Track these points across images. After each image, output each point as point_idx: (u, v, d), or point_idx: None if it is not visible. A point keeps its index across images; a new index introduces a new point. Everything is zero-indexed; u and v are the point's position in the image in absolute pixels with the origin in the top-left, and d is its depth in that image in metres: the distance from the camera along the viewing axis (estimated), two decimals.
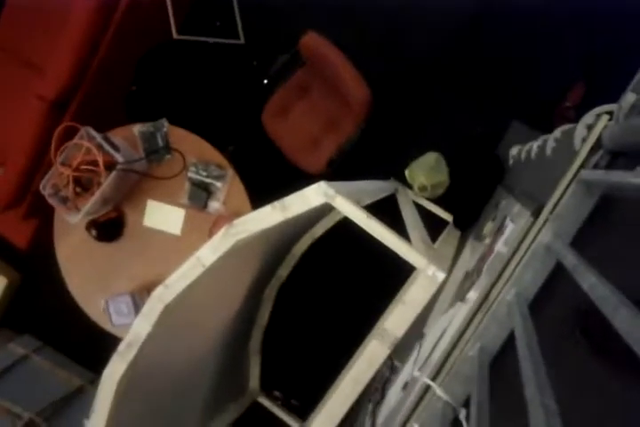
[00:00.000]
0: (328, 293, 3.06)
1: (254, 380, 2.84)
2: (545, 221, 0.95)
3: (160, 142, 2.47)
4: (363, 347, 2.64)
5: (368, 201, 2.08)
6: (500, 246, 1.24)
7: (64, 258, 2.51)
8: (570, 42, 2.78)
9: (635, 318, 0.50)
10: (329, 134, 2.67)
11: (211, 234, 2.41)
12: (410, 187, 2.88)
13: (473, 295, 1.22)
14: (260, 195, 2.48)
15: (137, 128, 2.48)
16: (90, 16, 2.45)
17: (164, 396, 1.92)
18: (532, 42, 2.85)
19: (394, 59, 3.02)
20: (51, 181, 2.28)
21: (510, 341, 0.95)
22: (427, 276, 1.39)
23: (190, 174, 2.45)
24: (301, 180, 2.29)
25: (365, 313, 2.70)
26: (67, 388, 2.90)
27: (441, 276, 1.38)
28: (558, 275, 0.91)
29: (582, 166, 0.97)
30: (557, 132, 1.44)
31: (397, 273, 2.60)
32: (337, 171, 2.65)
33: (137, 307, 2.38)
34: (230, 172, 2.46)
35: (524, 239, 0.99)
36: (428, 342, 1.47)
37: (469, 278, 1.45)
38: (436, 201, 2.87)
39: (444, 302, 1.79)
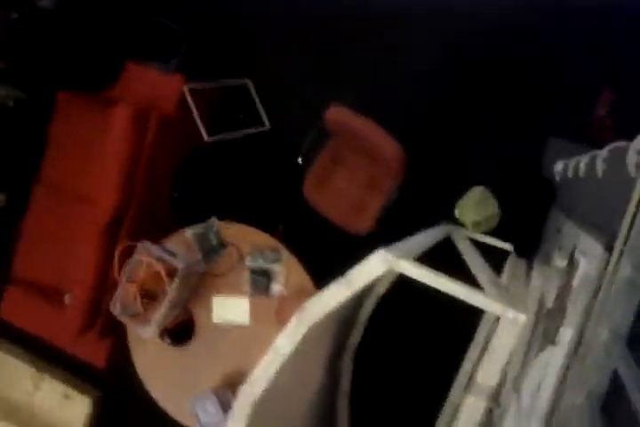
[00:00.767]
0: (402, 349, 2.99)
1: None
2: (620, 255, 0.92)
3: (213, 240, 2.54)
4: (452, 398, 2.56)
5: (423, 250, 2.07)
6: (579, 282, 1.20)
7: (143, 369, 2.55)
8: (587, 49, 2.77)
9: None
10: (371, 195, 2.69)
11: (277, 317, 2.42)
12: (463, 226, 2.84)
13: (564, 337, 1.17)
14: (319, 269, 2.50)
15: (189, 231, 2.55)
16: (125, 139, 2.60)
17: None
18: (549, 55, 2.85)
19: (414, 103, 3.06)
20: (119, 300, 2.35)
21: (615, 383, 0.90)
22: (508, 321, 1.35)
23: (248, 263, 2.49)
24: (354, 245, 2.32)
25: (443, 363, 2.63)
26: None
27: (522, 318, 1.34)
28: None
29: None
30: (605, 152, 1.41)
31: (466, 314, 2.55)
32: (386, 227, 2.65)
33: (222, 404, 2.36)
34: (285, 252, 2.50)
35: (604, 274, 0.96)
36: (527, 392, 1.41)
37: (553, 318, 1.40)
38: (492, 233, 2.82)
39: (522, 337, 1.74)
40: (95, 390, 3.31)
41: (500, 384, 1.46)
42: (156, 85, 2.94)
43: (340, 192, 2.76)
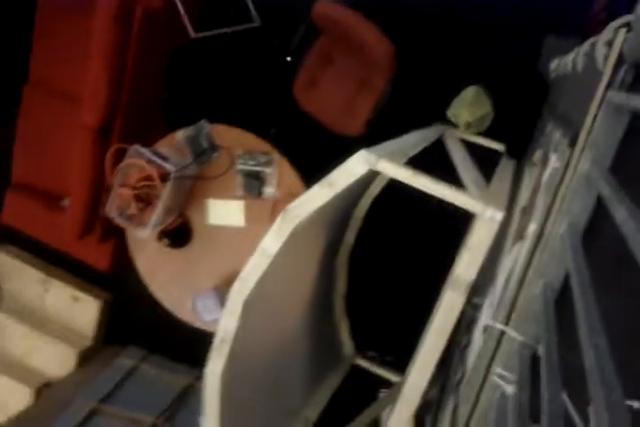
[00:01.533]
0: (398, 249, 3.08)
1: (347, 345, 2.94)
2: (582, 149, 0.93)
3: (205, 143, 2.54)
4: (441, 296, 2.68)
5: (415, 151, 2.08)
6: (546, 179, 1.23)
7: (145, 270, 2.67)
8: None
9: None
10: (362, 95, 2.66)
11: (273, 219, 2.48)
12: (456, 127, 2.82)
13: (530, 231, 1.22)
14: (311, 170, 2.52)
15: (180, 134, 2.55)
16: (109, 37, 2.52)
17: (266, 380, 2.03)
18: None
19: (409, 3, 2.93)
20: (114, 204, 2.40)
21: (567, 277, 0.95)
22: (485, 219, 1.40)
23: (240, 166, 2.51)
24: (346, 146, 2.32)
25: (440, 261, 2.72)
26: (178, 388, 3.09)
27: (498, 215, 1.38)
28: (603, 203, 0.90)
29: (609, 86, 0.94)
30: (586, 46, 1.38)
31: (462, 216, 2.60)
32: (378, 129, 2.64)
33: (222, 300, 2.49)
34: (276, 155, 2.51)
35: (567, 169, 0.98)
36: (498, 284, 1.48)
37: (526, 214, 1.44)
38: (485, 134, 2.81)
39: (510, 235, 1.79)
40: (103, 292, 3.45)
41: (479, 284, 1.53)
42: None
43: (331, 92, 2.73)
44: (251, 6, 3.10)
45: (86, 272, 3.35)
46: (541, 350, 0.79)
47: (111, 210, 2.40)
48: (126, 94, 2.71)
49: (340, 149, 2.06)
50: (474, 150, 2.55)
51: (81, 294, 3.34)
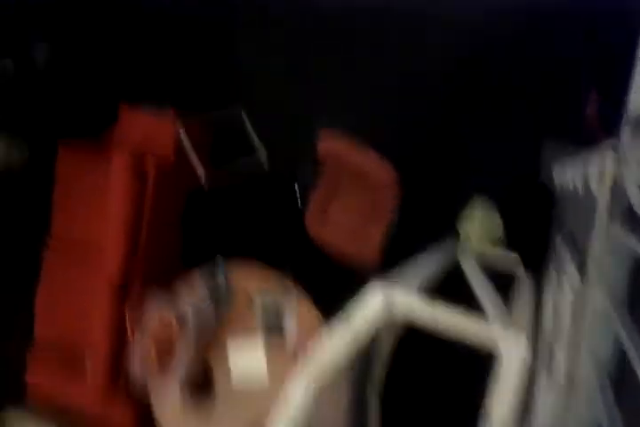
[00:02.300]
0: (428, 381, 2.92)
1: None
2: (592, 280, 0.91)
3: (222, 285, 2.55)
4: None
5: (428, 276, 2.05)
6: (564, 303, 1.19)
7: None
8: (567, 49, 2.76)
9: None
10: (372, 222, 2.69)
11: (297, 355, 2.41)
12: (467, 242, 2.82)
13: (557, 364, 1.16)
14: (328, 304, 2.49)
15: (198, 277, 2.57)
16: (125, 191, 2.65)
17: None
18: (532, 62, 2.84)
19: (405, 120, 3.04)
20: (137, 359, 2.36)
21: None
22: (511, 353, 1.35)
23: (258, 306, 2.49)
24: (362, 276, 2.31)
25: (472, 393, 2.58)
26: None
27: (522, 353, 1.33)
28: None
29: (610, 215, 0.93)
30: (581, 166, 1.40)
31: None
32: (391, 252, 2.64)
33: None
34: (294, 291, 2.50)
35: (578, 300, 0.95)
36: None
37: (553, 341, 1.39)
38: (499, 247, 2.79)
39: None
40: None
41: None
42: (151, 130, 2.97)
43: (341, 223, 2.77)
44: (255, 138, 3.24)
45: None
46: None
47: (134, 366, 2.35)
48: (143, 245, 2.79)
49: (356, 281, 2.06)
50: (489, 266, 2.52)
51: None
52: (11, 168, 3.39)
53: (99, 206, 3.03)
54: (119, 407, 2.80)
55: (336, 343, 1.54)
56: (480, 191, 2.86)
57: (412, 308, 1.50)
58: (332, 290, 2.73)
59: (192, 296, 2.54)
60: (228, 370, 2.51)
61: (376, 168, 2.49)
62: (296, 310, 2.48)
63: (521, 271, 2.58)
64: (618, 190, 0.96)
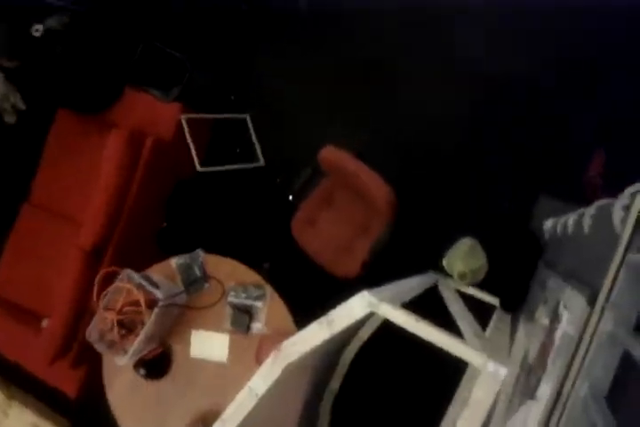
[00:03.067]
0: (383, 396, 2.92)
1: None
2: (602, 309, 0.92)
3: (197, 272, 2.51)
4: None
5: (409, 297, 2.05)
6: (561, 336, 1.19)
7: (116, 400, 2.47)
8: (579, 111, 2.84)
9: None
10: (359, 238, 2.69)
11: (257, 357, 2.37)
12: (449, 276, 2.83)
13: (543, 392, 1.15)
14: (301, 308, 2.47)
15: (174, 262, 2.53)
16: (117, 165, 2.61)
17: None
18: (542, 116, 2.91)
19: (411, 154, 3.10)
20: (96, 327, 2.30)
21: None
22: (488, 373, 1.33)
23: (230, 299, 2.46)
24: (339, 286, 2.30)
25: (425, 411, 2.56)
26: None
27: (503, 371, 1.32)
28: (629, 362, 0.86)
29: (627, 249, 0.95)
30: (592, 209, 1.43)
31: (450, 365, 2.52)
32: (373, 271, 2.64)
33: None
34: (269, 290, 2.47)
35: (585, 329, 0.95)
36: None
37: (534, 373, 1.38)
38: (479, 286, 2.80)
39: (505, 391, 1.71)
40: (64, 421, 3.19)
41: None
42: (153, 112, 2.97)
43: (329, 233, 2.76)
44: (257, 147, 3.27)
45: (49, 394, 3.11)
46: None
47: (92, 334, 2.28)
48: (125, 220, 2.75)
49: (333, 289, 2.04)
50: (466, 300, 2.54)
51: (40, 422, 3.08)
52: (3, 118, 3.33)
53: (85, 179, 3.00)
54: (68, 371, 2.72)
55: (313, 339, 1.51)
56: (470, 230, 2.89)
57: (397, 318, 1.49)
58: (306, 294, 2.72)
59: (165, 280, 2.50)
60: (187, 357, 2.46)
61: (376, 187, 2.48)
62: (267, 310, 2.44)
63: (497, 310, 2.59)
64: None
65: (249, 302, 2.45)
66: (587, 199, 2.11)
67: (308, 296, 2.54)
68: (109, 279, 2.36)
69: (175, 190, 3.18)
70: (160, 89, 3.12)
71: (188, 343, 2.46)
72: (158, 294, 2.30)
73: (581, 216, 1.56)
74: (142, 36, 3.25)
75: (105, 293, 2.31)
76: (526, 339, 1.98)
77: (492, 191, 2.99)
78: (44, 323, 2.75)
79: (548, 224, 2.59)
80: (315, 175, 2.83)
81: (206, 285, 2.50)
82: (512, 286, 2.67)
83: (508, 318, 2.57)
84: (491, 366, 1.33)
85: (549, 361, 1.22)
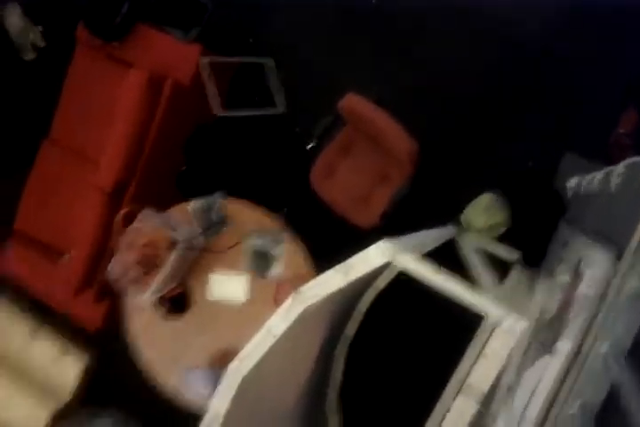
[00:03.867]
0: (398, 345, 2.97)
1: None
2: (629, 266, 0.90)
3: (216, 216, 2.52)
4: (444, 401, 2.55)
5: (428, 249, 2.05)
6: (583, 293, 1.19)
7: (136, 337, 2.54)
8: (613, 66, 2.74)
9: None
10: (379, 188, 2.67)
11: (275, 300, 2.41)
12: (468, 230, 2.82)
13: (562, 347, 1.16)
14: (319, 255, 2.48)
15: (192, 205, 2.54)
16: (136, 106, 2.58)
17: None
18: (573, 71, 2.82)
19: (435, 104, 3.03)
20: (116, 266, 2.34)
21: (612, 394, 0.88)
22: (506, 326, 1.34)
23: (249, 242, 2.47)
24: (358, 235, 2.30)
25: (438, 362, 2.61)
26: None
27: (521, 325, 1.33)
28: None
29: None
30: (621, 167, 1.40)
31: (465, 317, 2.54)
32: (392, 222, 2.63)
33: (211, 379, 2.35)
34: (287, 235, 2.48)
35: (610, 286, 0.94)
36: (520, 399, 1.39)
37: (553, 328, 1.38)
38: (500, 240, 2.79)
39: (520, 346, 1.72)
40: (90, 350, 3.29)
41: (493, 391, 1.44)
42: (173, 53, 2.90)
43: (348, 182, 2.74)
44: (277, 93, 3.20)
45: (77, 327, 3.21)
46: None
47: (113, 272, 2.33)
48: (144, 161, 2.75)
49: (352, 238, 2.05)
50: (483, 255, 2.54)
51: (69, 348, 3.18)
52: (22, 55, 3.28)
53: (104, 117, 2.97)
54: (88, 307, 2.79)
55: (331, 285, 1.52)
56: (492, 185, 2.86)
57: (417, 269, 1.49)
58: (324, 241, 2.73)
59: (185, 222, 2.51)
60: (206, 298, 2.50)
61: (398, 137, 2.44)
62: (286, 254, 2.46)
63: (516, 265, 2.59)
64: None
65: (268, 247, 2.47)
66: (613, 159, 2.06)
67: (326, 244, 2.54)
68: (129, 219, 2.38)
69: (195, 133, 3.16)
70: (179, 29, 3.04)
71: (206, 285, 2.50)
72: (177, 235, 2.32)
73: (609, 174, 1.53)
74: None
75: (125, 232, 2.34)
76: (543, 295, 1.98)
77: (517, 147, 2.93)
78: (65, 259, 2.80)
79: (572, 182, 2.55)
80: (335, 124, 2.78)
81: (225, 228, 2.51)
82: (534, 242, 2.66)
83: (525, 274, 2.57)
84: (509, 318, 1.34)
85: (571, 317, 1.22)
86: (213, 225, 2.53)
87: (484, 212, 2.79)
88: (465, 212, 2.84)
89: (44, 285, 2.90)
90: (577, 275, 1.34)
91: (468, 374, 1.39)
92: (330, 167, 2.78)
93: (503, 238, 2.78)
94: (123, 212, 2.40)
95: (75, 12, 3.01)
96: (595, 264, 1.15)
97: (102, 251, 2.61)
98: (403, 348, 2.95)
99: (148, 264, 2.35)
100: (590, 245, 1.30)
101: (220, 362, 2.36)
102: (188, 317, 2.51)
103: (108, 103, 2.93)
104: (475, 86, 2.98)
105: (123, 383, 3.23)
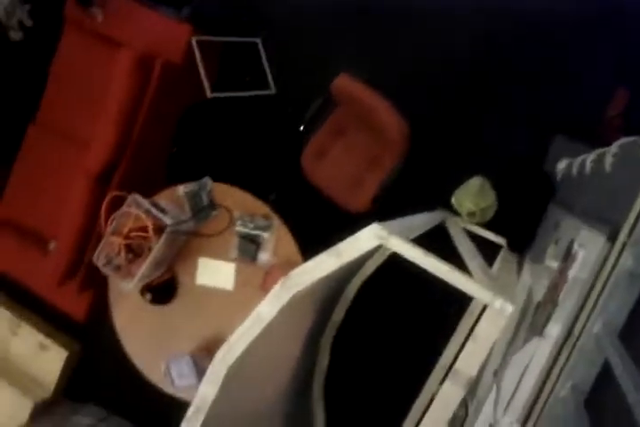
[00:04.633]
0: (384, 331, 2.98)
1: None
2: (623, 246, 0.89)
3: (205, 200, 2.50)
4: (429, 385, 2.56)
5: (417, 233, 2.03)
6: (575, 274, 1.18)
7: (121, 325, 2.52)
8: (602, 47, 2.72)
9: None
10: (370, 172, 2.65)
11: (263, 286, 2.39)
12: (458, 214, 2.81)
13: (553, 330, 1.15)
14: (309, 240, 2.46)
15: (181, 189, 2.51)
16: (126, 86, 2.53)
17: None
18: (562, 52, 2.80)
19: (426, 89, 3.01)
20: (103, 251, 2.31)
21: (603, 375, 0.88)
22: (494, 310, 1.33)
23: (238, 228, 2.46)
24: (348, 220, 2.28)
25: (424, 347, 2.62)
26: None
27: (509, 308, 1.32)
28: None
29: None
30: (614, 148, 1.38)
31: (451, 302, 2.54)
32: (382, 207, 2.62)
33: (198, 367, 2.34)
34: (276, 221, 2.46)
35: (604, 266, 0.93)
36: (508, 382, 1.39)
37: (543, 310, 1.38)
38: (487, 225, 2.79)
39: (507, 331, 1.72)
40: (72, 343, 3.28)
41: (479, 376, 1.44)
42: (163, 31, 2.83)
43: (339, 166, 2.72)
44: (269, 73, 3.15)
45: (57, 318, 3.18)
46: None
47: (99, 258, 2.30)
48: (133, 144, 2.70)
49: (342, 223, 2.03)
50: (473, 239, 2.53)
51: (49, 343, 3.17)
52: (8, 35, 3.20)
53: (93, 98, 2.92)
54: (75, 294, 2.76)
55: (321, 269, 1.51)
56: (482, 169, 2.85)
57: (408, 254, 1.47)
58: (314, 226, 2.72)
59: (173, 207, 2.48)
60: (193, 284, 2.48)
61: (390, 119, 2.41)
62: (274, 240, 2.45)
63: (504, 250, 2.59)
64: None
65: (256, 232, 2.45)
66: (604, 140, 2.05)
67: (316, 230, 2.53)
68: (117, 204, 2.35)
69: (186, 114, 3.12)
70: (170, 7, 2.98)
71: (194, 271, 2.48)
72: (166, 219, 2.29)
73: (602, 155, 1.51)
74: None
75: (112, 217, 2.31)
76: (532, 278, 1.98)
77: (507, 131, 2.92)
78: (52, 245, 2.76)
79: (562, 165, 2.54)
80: (327, 105, 2.75)
81: (214, 213, 2.49)
82: (521, 227, 2.66)
83: (513, 257, 2.57)
84: (497, 302, 1.33)
85: (562, 299, 1.21)
86: (203, 210, 2.50)
87: (474, 195, 2.78)
88: (455, 195, 2.83)
89: (28, 272, 2.87)
90: (569, 256, 1.33)
91: (455, 360, 1.39)
92: (321, 150, 2.75)
93: (492, 222, 2.78)
94: (110, 196, 2.36)
95: None
96: (588, 244, 1.14)
97: (88, 236, 2.58)
98: (389, 333, 2.96)
99: (136, 250, 2.32)
100: (583, 226, 1.29)
101: (208, 349, 2.36)
102: (176, 304, 2.50)
103: (98, 84, 2.89)
104: (462, 72, 2.96)
105: (107, 375, 3.22)
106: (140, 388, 2.53)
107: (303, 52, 3.17)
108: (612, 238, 0.94)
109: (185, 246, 2.48)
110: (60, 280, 2.60)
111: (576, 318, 0.98)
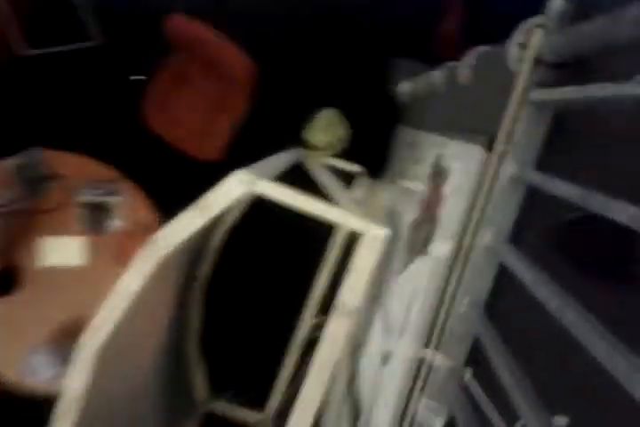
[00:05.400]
0: (256, 278, 2.92)
1: (200, 390, 2.69)
2: (504, 153, 0.87)
3: (38, 171, 2.20)
4: (306, 321, 2.57)
5: (276, 174, 1.97)
6: (453, 188, 1.16)
7: None
8: None
9: None
10: (219, 118, 2.49)
11: (117, 256, 2.19)
12: (312, 149, 2.78)
13: (439, 248, 1.13)
14: (166, 200, 2.29)
15: (8, 163, 2.18)
16: None
17: None
18: None
19: (261, 22, 2.85)
20: None
21: (498, 283, 0.87)
22: (370, 236, 1.30)
23: (80, 197, 2.21)
24: (204, 173, 2.14)
25: (297, 288, 2.62)
26: None
27: (384, 233, 1.30)
28: (531, 202, 0.84)
29: (526, 88, 0.89)
30: (471, 59, 1.36)
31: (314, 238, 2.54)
32: (235, 154, 2.50)
33: (59, 355, 2.09)
34: (123, 184, 2.24)
35: (485, 175, 0.91)
36: (396, 308, 1.38)
37: (419, 230, 1.37)
38: (343, 156, 2.80)
39: (399, 252, 1.73)
40: None
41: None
42: None
43: (185, 114, 2.53)
44: (91, 21, 2.80)
45: None
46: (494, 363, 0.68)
47: None
48: None
49: (197, 177, 1.89)
50: (330, 171, 2.53)
51: None
52: None
53: None
54: None
55: (189, 227, 1.38)
56: (329, 102, 2.80)
57: (278, 196, 1.39)
58: (166, 183, 2.53)
59: (2, 184, 2.16)
60: (38, 267, 2.21)
61: (233, 55, 2.26)
62: (124, 204, 2.23)
63: (358, 177, 2.61)
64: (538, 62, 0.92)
65: (103, 199, 2.22)
66: (442, 56, 2.05)
67: (171, 187, 2.35)
68: None
69: None
70: None
71: (36, 253, 2.20)
72: None
73: (453, 69, 1.50)
74: None
75: None
76: (394, 201, 2.00)
77: (348, 60, 2.88)
78: None
79: (404, 87, 2.57)
80: (162, 52, 2.51)
81: (51, 185, 2.21)
82: (373, 152, 2.69)
83: (369, 182, 2.60)
84: (372, 228, 1.30)
85: (442, 215, 1.20)
86: (38, 183, 2.20)
87: (324, 127, 2.78)
88: (305, 131, 2.79)
89: None
90: (439, 172, 1.32)
91: (334, 295, 1.35)
92: (163, 99, 2.54)
93: (347, 152, 2.78)
94: None
95: None
96: (464, 157, 1.12)
97: None
98: (260, 281, 2.91)
99: None
100: (452, 141, 1.28)
101: (67, 335, 2.12)
102: (19, 293, 2.19)
103: None
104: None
105: None
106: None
107: None
108: (489, 147, 0.92)
109: (22, 227, 2.18)
110: None
111: (463, 231, 0.96)
